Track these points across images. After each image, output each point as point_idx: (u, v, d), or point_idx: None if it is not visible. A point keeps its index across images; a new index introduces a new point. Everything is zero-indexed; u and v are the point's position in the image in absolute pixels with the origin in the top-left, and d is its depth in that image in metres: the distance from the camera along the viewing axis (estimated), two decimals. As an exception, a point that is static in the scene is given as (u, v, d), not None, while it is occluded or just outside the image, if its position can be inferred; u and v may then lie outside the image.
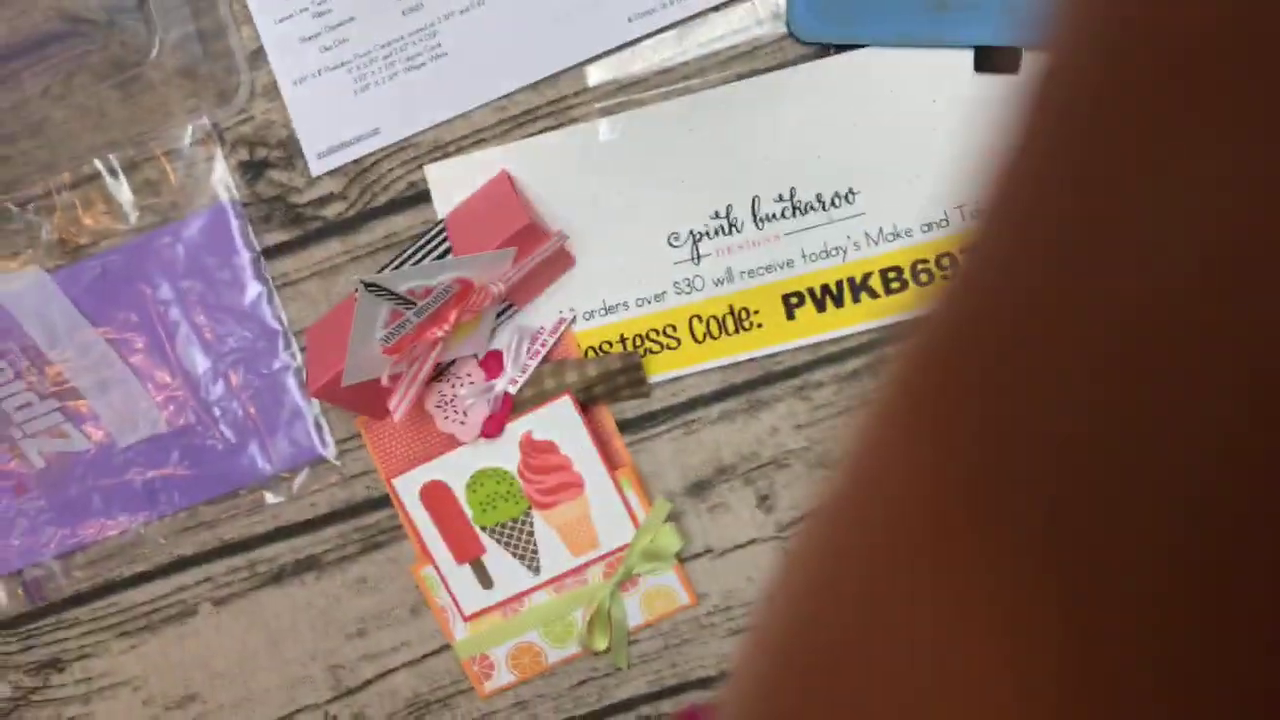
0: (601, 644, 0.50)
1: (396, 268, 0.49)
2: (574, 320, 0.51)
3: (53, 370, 0.52)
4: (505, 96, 0.51)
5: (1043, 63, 0.11)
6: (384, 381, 0.46)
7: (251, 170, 0.52)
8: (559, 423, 0.49)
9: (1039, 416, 0.10)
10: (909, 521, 0.12)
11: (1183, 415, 0.09)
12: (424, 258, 0.48)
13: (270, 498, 0.52)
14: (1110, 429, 0.09)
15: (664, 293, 0.50)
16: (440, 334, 0.46)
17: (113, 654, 0.53)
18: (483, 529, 0.50)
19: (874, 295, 0.50)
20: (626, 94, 0.50)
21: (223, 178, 0.52)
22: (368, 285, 0.42)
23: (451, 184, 0.50)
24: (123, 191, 0.52)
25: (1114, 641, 0.10)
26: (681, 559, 0.51)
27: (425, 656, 0.52)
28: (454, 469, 0.49)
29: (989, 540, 0.11)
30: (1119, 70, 0.10)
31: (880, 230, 0.50)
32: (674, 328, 0.50)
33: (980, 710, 0.11)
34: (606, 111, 0.50)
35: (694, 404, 0.50)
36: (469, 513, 0.50)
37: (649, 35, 0.50)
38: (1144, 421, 0.09)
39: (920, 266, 0.50)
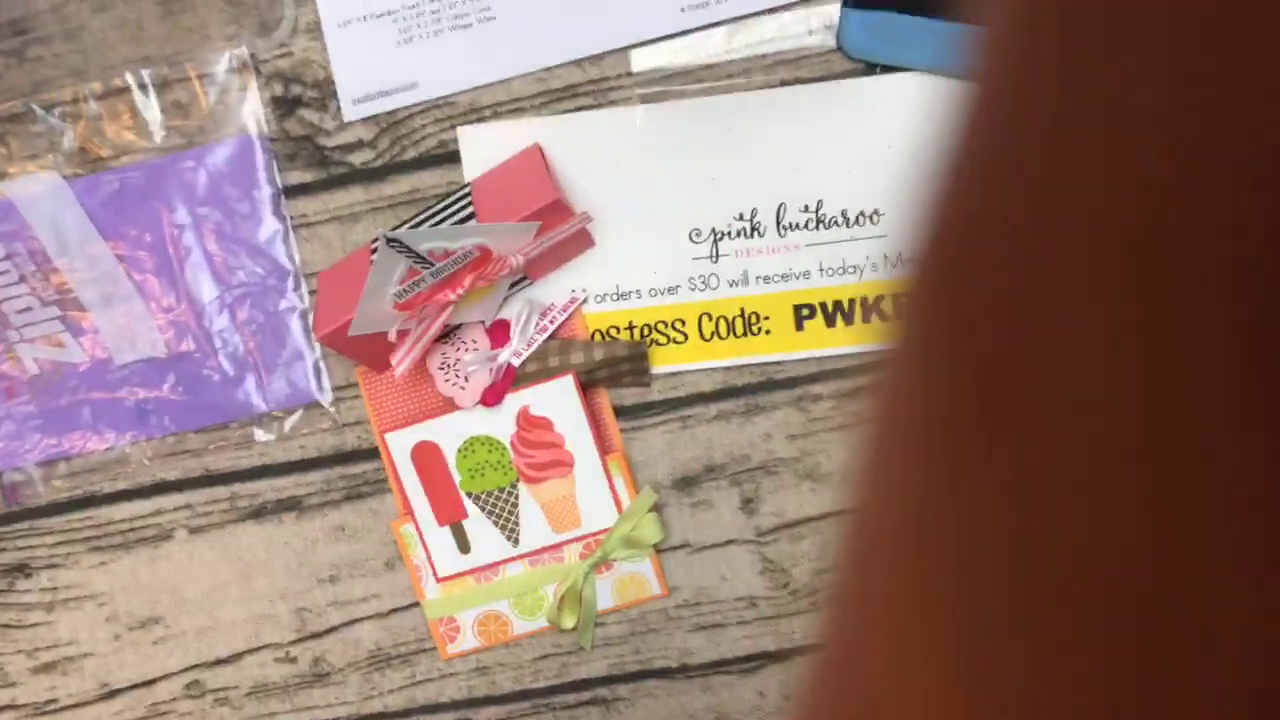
0: (569, 622, 0.50)
1: (418, 225, 0.49)
2: (585, 301, 0.51)
3: (58, 278, 0.52)
4: (548, 69, 0.50)
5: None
6: (391, 337, 0.46)
7: (283, 106, 0.51)
8: (558, 401, 0.49)
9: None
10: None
11: None
12: (447, 219, 0.48)
13: (260, 434, 0.52)
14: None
15: (678, 286, 0.51)
16: (453, 297, 0.46)
17: (82, 567, 0.53)
18: (468, 494, 0.50)
19: (884, 319, 0.50)
20: (669, 84, 0.50)
21: (254, 110, 0.51)
22: (390, 240, 0.42)
23: (483, 148, 0.50)
24: (151, 109, 0.52)
25: None
26: (658, 550, 0.51)
27: (392, 611, 0.53)
28: (448, 432, 0.50)
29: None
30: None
31: (900, 255, 0.50)
32: (683, 322, 0.51)
33: None
34: (647, 99, 0.50)
35: (693, 400, 0.51)
36: (457, 477, 0.50)
37: (700, 29, 0.50)
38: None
39: (933, 296, 0.50)
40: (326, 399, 0.52)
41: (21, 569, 0.54)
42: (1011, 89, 0.12)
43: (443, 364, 0.50)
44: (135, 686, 0.54)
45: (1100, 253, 0.10)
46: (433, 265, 0.45)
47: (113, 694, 0.54)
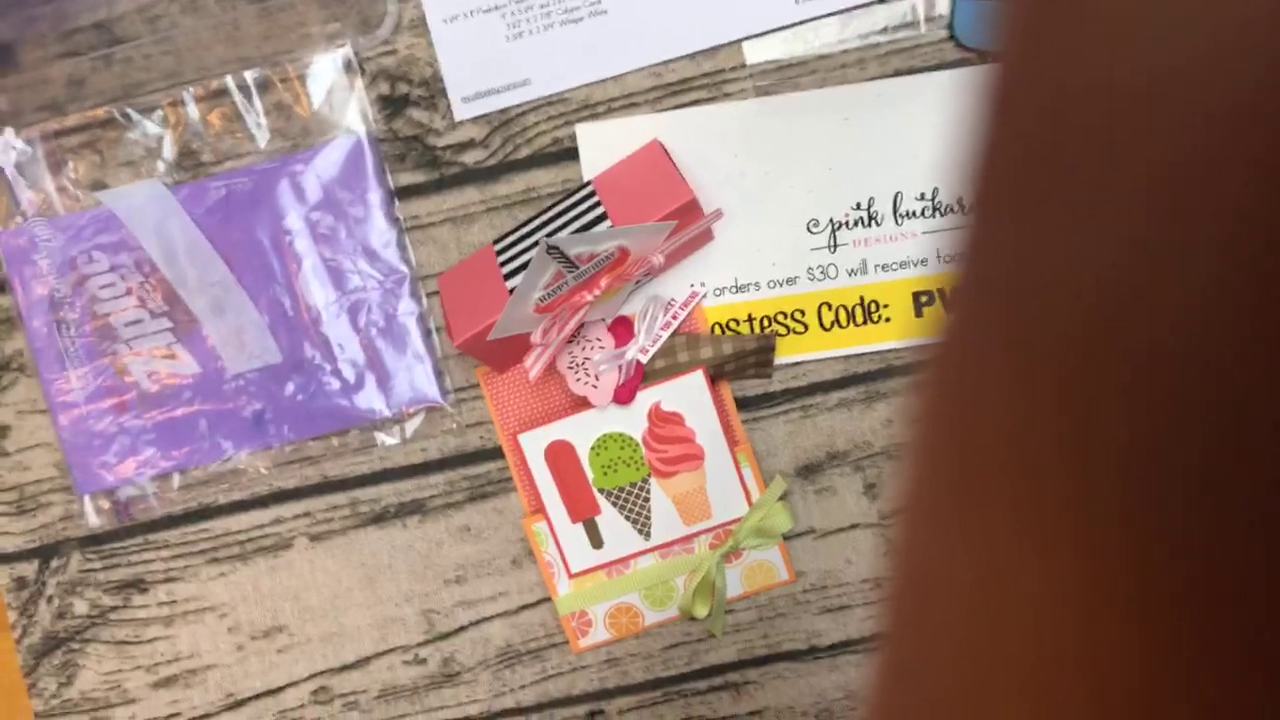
0: (702, 611, 0.51)
1: (541, 224, 0.49)
2: (705, 295, 0.51)
3: (166, 289, 0.51)
4: (662, 63, 0.50)
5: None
6: (535, 338, 0.46)
7: (391, 106, 0.51)
8: (689, 396, 0.50)
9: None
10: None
11: None
12: (575, 218, 0.48)
13: (383, 439, 0.52)
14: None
15: (797, 277, 0.51)
16: (590, 298, 0.46)
17: (201, 580, 0.53)
18: (601, 491, 0.51)
19: (998, 302, 0.51)
20: (783, 75, 0.50)
21: (360, 110, 0.50)
22: (549, 247, 0.42)
23: (601, 146, 0.50)
24: (253, 111, 0.51)
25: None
26: (785, 537, 0.52)
27: (521, 608, 0.53)
28: (580, 430, 0.50)
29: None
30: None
31: (1013, 240, 0.51)
32: (803, 313, 0.51)
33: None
34: (761, 91, 0.50)
35: (813, 389, 0.52)
36: (590, 474, 0.50)
37: (812, 19, 0.50)
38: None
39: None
40: (448, 401, 0.51)
41: (137, 584, 0.53)
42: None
43: (571, 364, 0.50)
44: (261, 695, 0.54)
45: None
46: (578, 269, 0.45)
47: (239, 704, 0.54)
